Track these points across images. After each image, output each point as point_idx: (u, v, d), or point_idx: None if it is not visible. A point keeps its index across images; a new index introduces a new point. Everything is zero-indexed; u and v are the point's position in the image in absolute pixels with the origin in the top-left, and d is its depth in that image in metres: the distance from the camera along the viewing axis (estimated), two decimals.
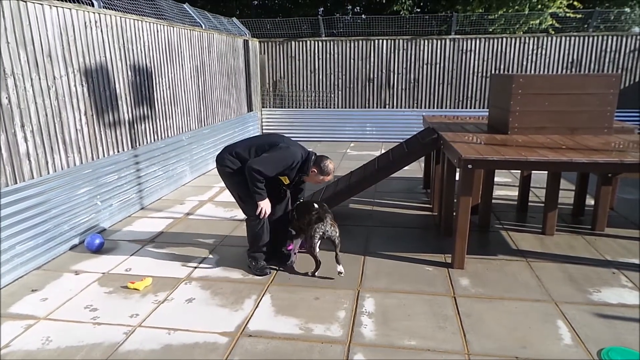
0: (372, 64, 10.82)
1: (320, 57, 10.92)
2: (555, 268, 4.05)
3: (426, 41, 10.50)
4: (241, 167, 3.74)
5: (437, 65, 10.61)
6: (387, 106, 11.00)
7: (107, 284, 3.82)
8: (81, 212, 4.71)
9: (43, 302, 3.53)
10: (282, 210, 4.12)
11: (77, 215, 4.65)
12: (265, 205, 3.76)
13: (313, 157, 3.87)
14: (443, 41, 10.45)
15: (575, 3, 11.20)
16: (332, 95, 11.10)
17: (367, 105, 11.06)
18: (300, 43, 10.92)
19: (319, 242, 3.80)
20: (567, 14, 10.81)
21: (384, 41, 10.65)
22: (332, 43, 10.81)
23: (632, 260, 4.19)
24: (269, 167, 3.65)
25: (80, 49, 4.71)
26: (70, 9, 4.55)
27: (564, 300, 3.49)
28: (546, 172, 4.80)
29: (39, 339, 3.05)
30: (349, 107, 11.12)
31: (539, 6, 10.96)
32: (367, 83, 10.93)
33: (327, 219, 3.84)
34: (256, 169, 3.60)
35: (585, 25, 10.70)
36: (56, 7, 4.36)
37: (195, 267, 4.14)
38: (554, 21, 10.87)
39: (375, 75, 10.87)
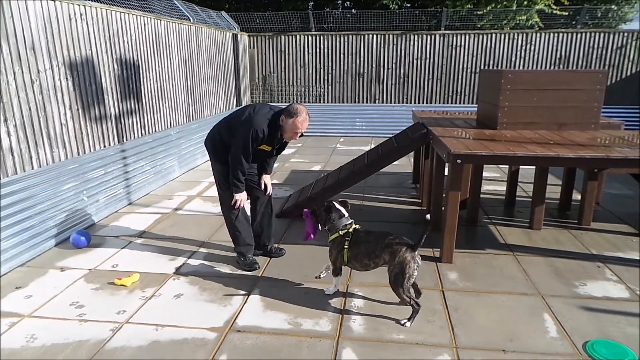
0: (362, 59, 10.80)
1: (310, 51, 10.88)
2: (542, 262, 4.09)
3: (416, 36, 10.51)
4: (221, 149, 3.72)
5: (427, 61, 10.63)
6: (376, 101, 11.01)
7: (94, 281, 3.77)
8: (67, 208, 4.64)
9: (27, 299, 3.48)
10: (265, 204, 4.09)
11: (63, 211, 4.59)
12: (241, 198, 3.73)
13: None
14: (433, 36, 10.46)
15: (563, 0, 11.28)
16: (322, 90, 11.07)
17: (357, 100, 11.05)
18: (290, 37, 10.86)
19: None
20: (554, 11, 10.89)
21: (374, 36, 10.63)
22: (322, 38, 10.77)
23: (617, 254, 4.24)
24: (245, 155, 3.53)
25: (65, 42, 4.63)
26: (54, 1, 4.46)
27: (550, 293, 3.52)
28: (534, 167, 4.84)
29: (24, 336, 3.00)
30: (339, 102, 11.11)
31: (526, 2, 11.03)
32: (357, 78, 10.92)
33: (416, 250, 3.07)
34: (237, 164, 3.55)
35: (574, 22, 10.78)
36: None
37: (184, 263, 4.11)
38: (540, 19, 10.96)
39: (365, 70, 10.86)
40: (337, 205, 3.36)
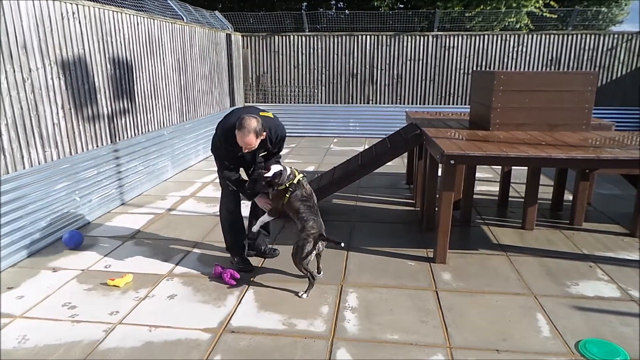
0: (355, 60, 10.82)
1: (304, 52, 10.87)
2: (534, 262, 4.12)
3: (409, 37, 10.55)
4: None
5: (420, 62, 10.67)
6: (370, 102, 11.03)
7: (87, 281, 3.75)
8: (59, 208, 4.60)
9: (19, 299, 3.45)
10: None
11: (55, 211, 4.55)
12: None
13: None
14: (425, 37, 10.51)
15: (552, 2, 11.39)
16: (316, 91, 11.07)
17: (350, 100, 11.07)
18: (284, 38, 10.85)
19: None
20: (544, 14, 10.99)
21: (368, 37, 10.65)
22: (315, 38, 10.77)
23: (608, 254, 4.29)
24: (224, 166, 3.61)
25: (57, 41, 4.59)
26: None
27: (542, 293, 3.55)
28: (526, 167, 4.87)
29: (15, 337, 2.98)
30: (333, 103, 11.11)
31: (515, 4, 11.12)
32: (351, 78, 10.93)
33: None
34: (220, 175, 3.68)
35: (565, 24, 10.88)
36: None
37: (177, 263, 4.09)
38: (529, 21, 11.05)
39: (359, 71, 10.87)
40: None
